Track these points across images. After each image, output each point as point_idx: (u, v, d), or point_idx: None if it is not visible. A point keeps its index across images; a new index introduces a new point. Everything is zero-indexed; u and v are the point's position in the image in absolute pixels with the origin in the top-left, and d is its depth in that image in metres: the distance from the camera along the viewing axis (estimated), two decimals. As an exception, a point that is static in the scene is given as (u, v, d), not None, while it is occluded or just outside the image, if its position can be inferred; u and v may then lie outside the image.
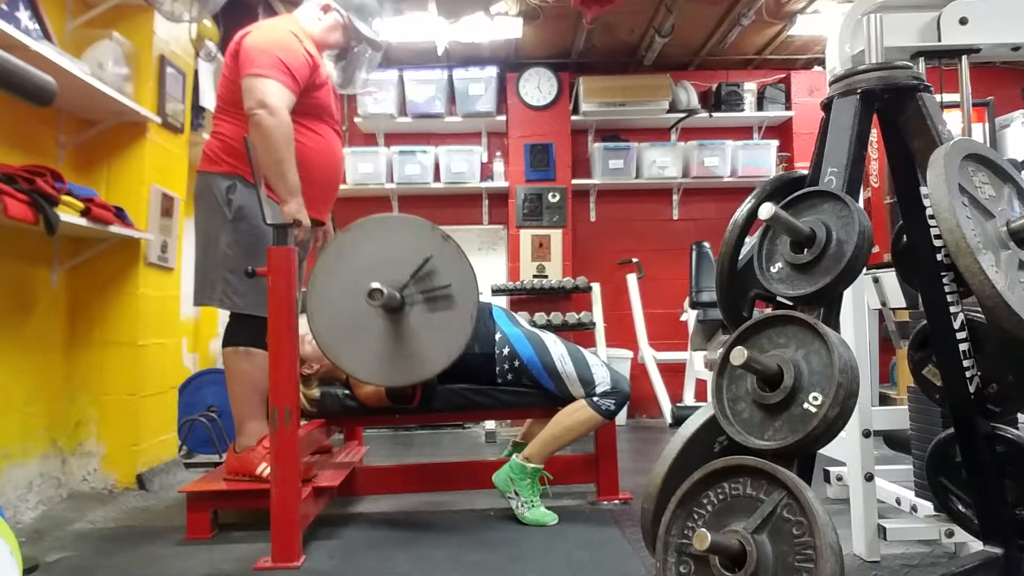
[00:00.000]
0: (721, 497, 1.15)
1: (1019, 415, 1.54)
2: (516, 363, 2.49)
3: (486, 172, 5.02)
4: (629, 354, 4.83)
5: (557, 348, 2.52)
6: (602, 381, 2.47)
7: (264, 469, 2.29)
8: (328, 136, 2.51)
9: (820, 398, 1.12)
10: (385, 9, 2.69)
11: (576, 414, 2.45)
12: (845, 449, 1.94)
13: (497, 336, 2.52)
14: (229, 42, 2.47)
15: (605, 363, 2.59)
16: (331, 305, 2.00)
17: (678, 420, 4.38)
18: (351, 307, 1.99)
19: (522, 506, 2.40)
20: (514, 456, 2.48)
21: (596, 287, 4.66)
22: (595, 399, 2.45)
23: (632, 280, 4.85)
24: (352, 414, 2.57)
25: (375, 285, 1.85)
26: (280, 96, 2.27)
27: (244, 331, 2.38)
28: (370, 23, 2.61)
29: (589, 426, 2.47)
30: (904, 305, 2.39)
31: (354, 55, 2.71)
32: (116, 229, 2.63)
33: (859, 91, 1.37)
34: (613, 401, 2.46)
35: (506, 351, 2.50)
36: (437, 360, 2.04)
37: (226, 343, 2.41)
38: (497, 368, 2.50)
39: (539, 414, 2.67)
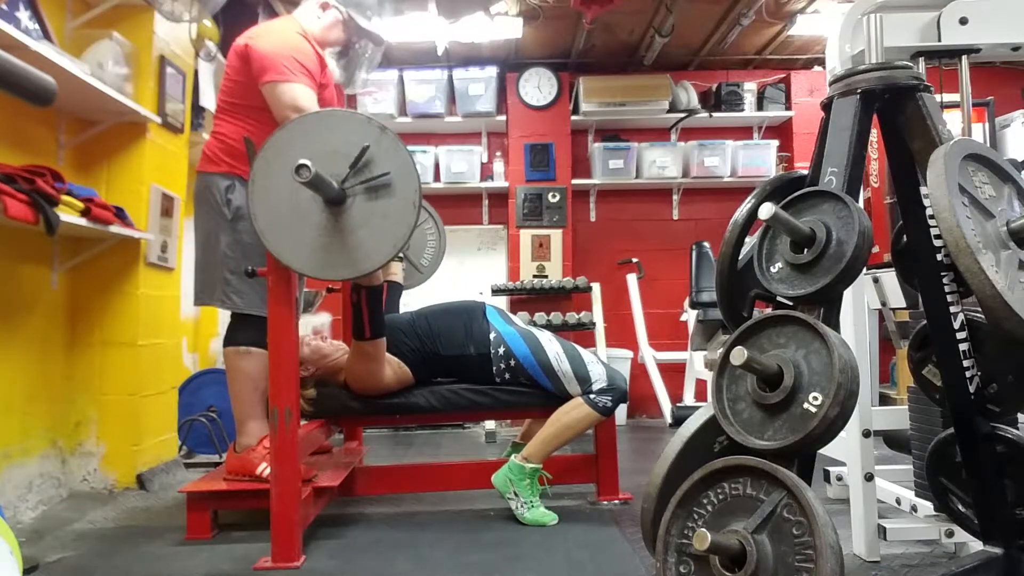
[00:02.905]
0: (721, 497, 1.15)
1: (1019, 415, 1.55)
2: (512, 362, 2.49)
3: (486, 172, 5.02)
4: (629, 354, 4.83)
5: (552, 346, 2.52)
6: (598, 378, 2.47)
7: (264, 469, 2.29)
8: None
9: (820, 398, 1.12)
10: (385, 8, 2.68)
11: (573, 412, 2.45)
12: (845, 449, 1.94)
13: (492, 335, 2.52)
14: (229, 42, 2.47)
15: (601, 360, 2.59)
16: (272, 201, 1.96)
17: (678, 420, 4.38)
18: (291, 201, 1.95)
19: (521, 506, 2.40)
20: (512, 457, 2.48)
21: (596, 287, 4.66)
22: (592, 396, 2.45)
23: (632, 280, 4.85)
24: (352, 414, 2.57)
25: (302, 161, 1.76)
26: (310, 99, 2.29)
27: (244, 330, 2.38)
28: (369, 17, 2.60)
29: (586, 424, 2.47)
30: (904, 305, 2.39)
31: (355, 54, 2.70)
32: (116, 229, 2.63)
33: (859, 91, 1.37)
34: (610, 398, 2.46)
35: (501, 350, 2.50)
36: (380, 251, 1.97)
37: (227, 343, 2.42)
38: (494, 368, 2.50)
39: (538, 413, 2.67)
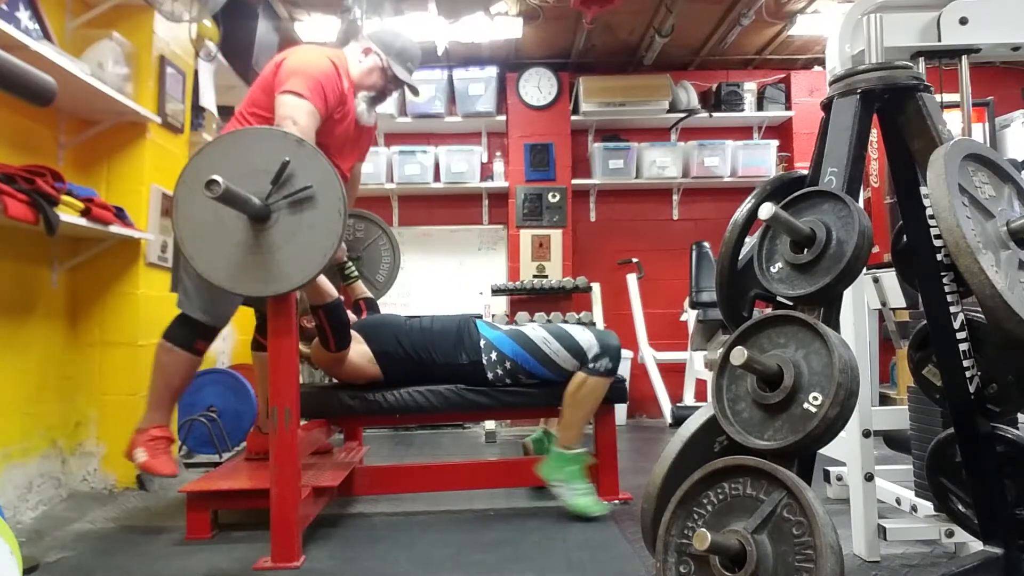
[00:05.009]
0: (721, 497, 1.15)
1: (1019, 415, 1.55)
2: (507, 364, 2.51)
3: (486, 172, 5.02)
4: (629, 354, 4.81)
5: (537, 333, 2.54)
6: (590, 346, 2.49)
7: (139, 453, 2.33)
8: None
9: (820, 398, 1.12)
10: (386, 10, 2.69)
11: (582, 388, 2.48)
12: (845, 449, 1.94)
13: (482, 343, 2.54)
14: (229, 42, 2.46)
15: (586, 326, 2.61)
16: (196, 221, 1.98)
17: (678, 420, 4.38)
18: (216, 221, 1.97)
19: (570, 492, 2.42)
20: (553, 448, 2.51)
21: (596, 287, 4.66)
22: (590, 366, 2.47)
23: (632, 280, 4.85)
24: (352, 414, 2.56)
25: (211, 177, 1.75)
26: (311, 120, 2.29)
27: (180, 329, 2.42)
28: (410, 69, 2.62)
29: (598, 392, 2.50)
30: (904, 305, 2.39)
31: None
32: (116, 229, 2.63)
33: (859, 91, 1.37)
34: (607, 359, 2.49)
35: (494, 356, 2.51)
36: (312, 261, 1.98)
37: (163, 334, 2.45)
38: (489, 374, 2.51)
39: (538, 413, 2.67)
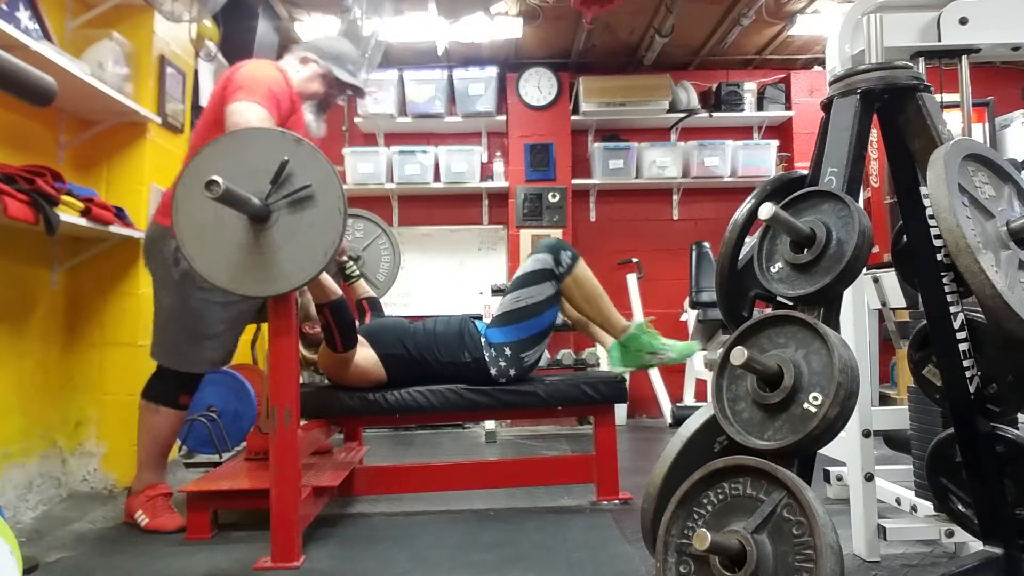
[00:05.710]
0: (721, 497, 1.15)
1: (1019, 415, 1.55)
2: (506, 351, 2.52)
3: (486, 172, 5.02)
4: (629, 354, 4.82)
5: (506, 300, 2.57)
6: (544, 262, 2.55)
7: (140, 516, 2.37)
8: None
9: (820, 398, 1.12)
10: (386, 8, 2.68)
11: (577, 290, 2.56)
12: (845, 449, 1.94)
13: (482, 340, 2.55)
14: (229, 42, 2.46)
15: (530, 256, 2.65)
16: (196, 222, 1.98)
17: (678, 420, 4.38)
18: (216, 223, 1.97)
19: (662, 354, 2.48)
20: (613, 347, 2.56)
21: (596, 287, 4.65)
22: (559, 272, 2.54)
23: (632, 280, 4.85)
24: (352, 414, 2.57)
25: (211, 177, 1.74)
26: (267, 124, 2.24)
27: (160, 386, 2.43)
28: (352, 71, 2.59)
29: (586, 276, 2.59)
30: (904, 305, 2.39)
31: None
32: (116, 229, 2.63)
33: (859, 91, 1.37)
34: (560, 253, 2.56)
35: (493, 351, 2.52)
36: (313, 260, 1.97)
37: (143, 394, 2.45)
38: (492, 370, 2.51)
39: (539, 413, 2.66)
